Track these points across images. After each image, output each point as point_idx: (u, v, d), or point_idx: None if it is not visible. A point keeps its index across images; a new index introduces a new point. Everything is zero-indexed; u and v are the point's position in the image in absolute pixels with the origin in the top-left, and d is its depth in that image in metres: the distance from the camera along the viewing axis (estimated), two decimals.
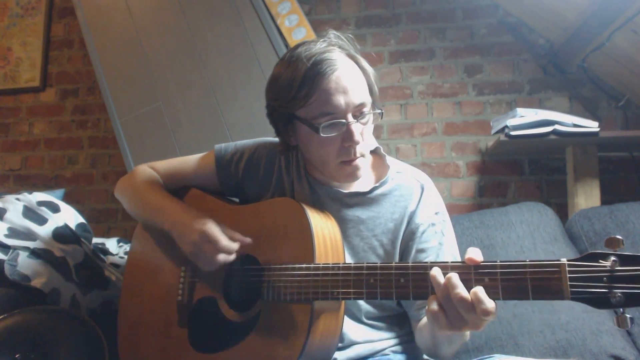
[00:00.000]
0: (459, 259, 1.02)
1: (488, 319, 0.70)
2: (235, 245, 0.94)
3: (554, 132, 1.78)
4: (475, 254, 0.74)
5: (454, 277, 0.72)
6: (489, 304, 0.69)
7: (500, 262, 0.72)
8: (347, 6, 2.46)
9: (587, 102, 2.17)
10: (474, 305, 0.69)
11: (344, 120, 0.91)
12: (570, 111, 2.13)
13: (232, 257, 0.94)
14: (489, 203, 2.20)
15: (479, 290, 0.69)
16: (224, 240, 0.93)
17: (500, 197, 2.20)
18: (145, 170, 1.16)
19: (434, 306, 0.73)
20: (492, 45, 2.29)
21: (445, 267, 0.75)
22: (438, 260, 0.97)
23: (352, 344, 0.97)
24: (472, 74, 2.30)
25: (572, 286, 0.67)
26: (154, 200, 1.07)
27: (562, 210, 1.98)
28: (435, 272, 0.74)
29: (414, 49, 2.37)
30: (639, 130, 1.98)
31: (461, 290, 0.71)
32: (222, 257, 0.92)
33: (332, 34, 0.97)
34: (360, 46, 1.00)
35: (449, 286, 0.72)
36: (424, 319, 0.95)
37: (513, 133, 1.81)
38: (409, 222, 1.00)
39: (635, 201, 1.58)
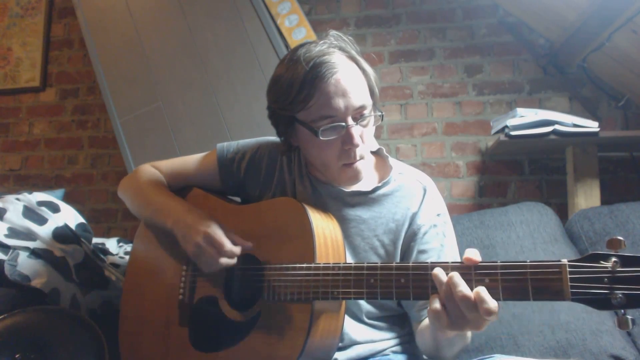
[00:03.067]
0: (460, 261, 1.02)
1: (490, 318, 0.69)
2: (237, 250, 0.94)
3: (554, 132, 1.78)
4: (473, 254, 0.74)
5: (456, 275, 0.72)
6: (492, 303, 0.69)
7: (501, 262, 0.72)
8: (347, 6, 2.46)
9: (587, 102, 2.16)
10: (476, 304, 0.69)
11: (343, 124, 0.91)
12: (570, 111, 2.13)
13: (234, 261, 0.94)
14: (489, 203, 2.20)
15: (482, 290, 0.69)
16: (227, 244, 0.93)
17: (500, 197, 2.20)
18: (149, 169, 1.16)
19: (436, 305, 0.73)
20: (492, 45, 2.29)
21: (446, 267, 0.75)
22: (439, 261, 0.97)
23: (353, 344, 0.97)
24: (472, 74, 2.30)
25: (572, 287, 0.66)
26: (157, 200, 1.07)
27: (562, 210, 1.98)
28: (438, 271, 0.74)
29: (414, 49, 2.36)
30: (639, 130, 1.98)
31: (463, 288, 0.70)
32: (224, 261, 0.93)
33: (333, 35, 0.96)
34: (360, 46, 0.99)
35: (451, 284, 0.72)
36: (426, 321, 0.94)
37: (513, 133, 1.81)
38: (410, 223, 1.00)
39: (635, 201, 1.58)
